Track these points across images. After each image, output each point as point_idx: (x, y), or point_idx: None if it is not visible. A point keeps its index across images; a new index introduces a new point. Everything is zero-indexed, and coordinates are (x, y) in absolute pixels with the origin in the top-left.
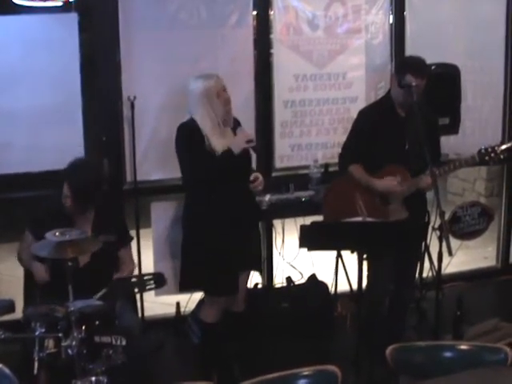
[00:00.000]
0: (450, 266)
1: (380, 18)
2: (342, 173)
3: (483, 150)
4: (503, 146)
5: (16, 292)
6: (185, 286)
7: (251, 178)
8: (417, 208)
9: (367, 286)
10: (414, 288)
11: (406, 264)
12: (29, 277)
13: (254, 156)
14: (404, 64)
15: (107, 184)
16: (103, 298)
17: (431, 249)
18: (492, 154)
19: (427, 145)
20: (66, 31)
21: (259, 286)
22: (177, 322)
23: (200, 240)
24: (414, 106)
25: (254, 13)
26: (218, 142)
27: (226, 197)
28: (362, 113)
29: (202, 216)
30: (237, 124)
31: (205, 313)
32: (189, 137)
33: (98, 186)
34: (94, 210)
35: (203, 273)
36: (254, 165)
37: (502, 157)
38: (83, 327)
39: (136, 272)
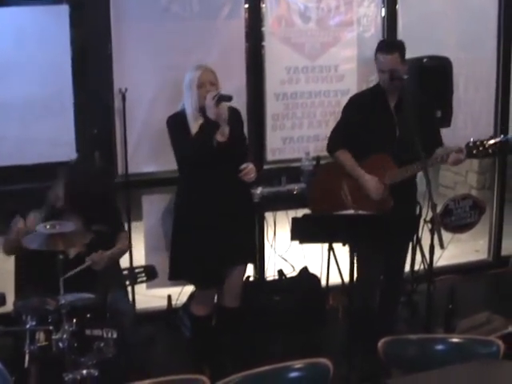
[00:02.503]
0: (442, 258)
1: (372, 11)
2: (330, 155)
3: (471, 144)
4: (492, 141)
5: (6, 285)
6: (173, 276)
7: (241, 166)
8: (406, 199)
9: (357, 279)
10: (404, 280)
11: (396, 256)
12: (19, 269)
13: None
14: (377, 46)
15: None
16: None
17: (423, 242)
18: (480, 148)
19: (417, 134)
20: (58, 23)
21: (251, 278)
22: (168, 314)
23: (187, 230)
24: (405, 94)
25: (246, 5)
26: (193, 126)
27: (215, 188)
28: (352, 99)
29: (190, 206)
30: (236, 115)
31: (195, 306)
32: (175, 126)
33: (89, 192)
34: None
35: (189, 263)
36: None
37: (490, 151)
38: (74, 320)
39: (126, 264)
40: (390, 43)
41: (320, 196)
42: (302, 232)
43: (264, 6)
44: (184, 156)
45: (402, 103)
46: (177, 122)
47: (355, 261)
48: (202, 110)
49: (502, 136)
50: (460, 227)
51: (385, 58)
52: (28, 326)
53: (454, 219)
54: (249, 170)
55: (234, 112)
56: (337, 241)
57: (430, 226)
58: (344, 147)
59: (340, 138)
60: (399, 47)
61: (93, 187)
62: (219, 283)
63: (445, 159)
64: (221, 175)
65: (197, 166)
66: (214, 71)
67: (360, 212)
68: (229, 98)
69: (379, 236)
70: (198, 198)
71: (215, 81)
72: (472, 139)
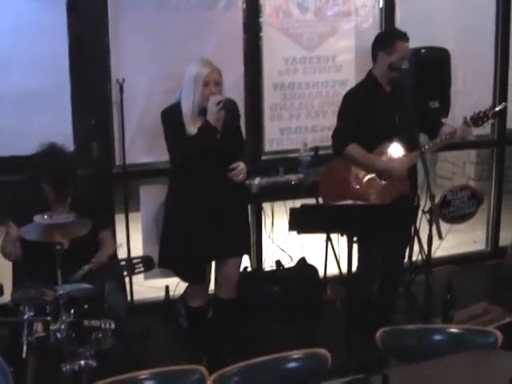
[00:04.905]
0: (440, 249)
1: (370, 1)
2: (339, 154)
3: (475, 115)
4: (496, 109)
5: (4, 275)
6: (161, 264)
7: (232, 166)
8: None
9: (357, 269)
10: (404, 271)
11: (395, 247)
12: (17, 261)
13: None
14: (388, 35)
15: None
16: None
17: (421, 232)
18: (485, 119)
19: (415, 120)
20: (54, 14)
21: (248, 269)
22: (166, 305)
23: (177, 224)
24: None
25: None
26: (191, 127)
27: (207, 182)
28: (348, 95)
29: (179, 201)
30: (233, 107)
31: (190, 297)
32: (169, 121)
33: (73, 171)
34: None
35: (177, 258)
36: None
37: (493, 120)
38: (72, 311)
39: (123, 255)
40: (403, 31)
41: (332, 190)
42: (299, 222)
43: None
44: (181, 155)
45: (395, 90)
46: (172, 118)
47: (357, 254)
48: (201, 110)
49: (503, 104)
50: (458, 218)
51: (405, 45)
52: (26, 317)
53: (452, 210)
54: (239, 170)
55: (230, 105)
56: (335, 231)
57: (428, 216)
58: (351, 143)
59: (346, 134)
60: None
61: (73, 173)
62: (206, 278)
63: (453, 135)
64: (213, 169)
65: (191, 163)
66: (220, 71)
67: (358, 202)
68: (231, 112)
69: (377, 227)
70: (189, 192)
71: (220, 81)
72: (475, 112)
